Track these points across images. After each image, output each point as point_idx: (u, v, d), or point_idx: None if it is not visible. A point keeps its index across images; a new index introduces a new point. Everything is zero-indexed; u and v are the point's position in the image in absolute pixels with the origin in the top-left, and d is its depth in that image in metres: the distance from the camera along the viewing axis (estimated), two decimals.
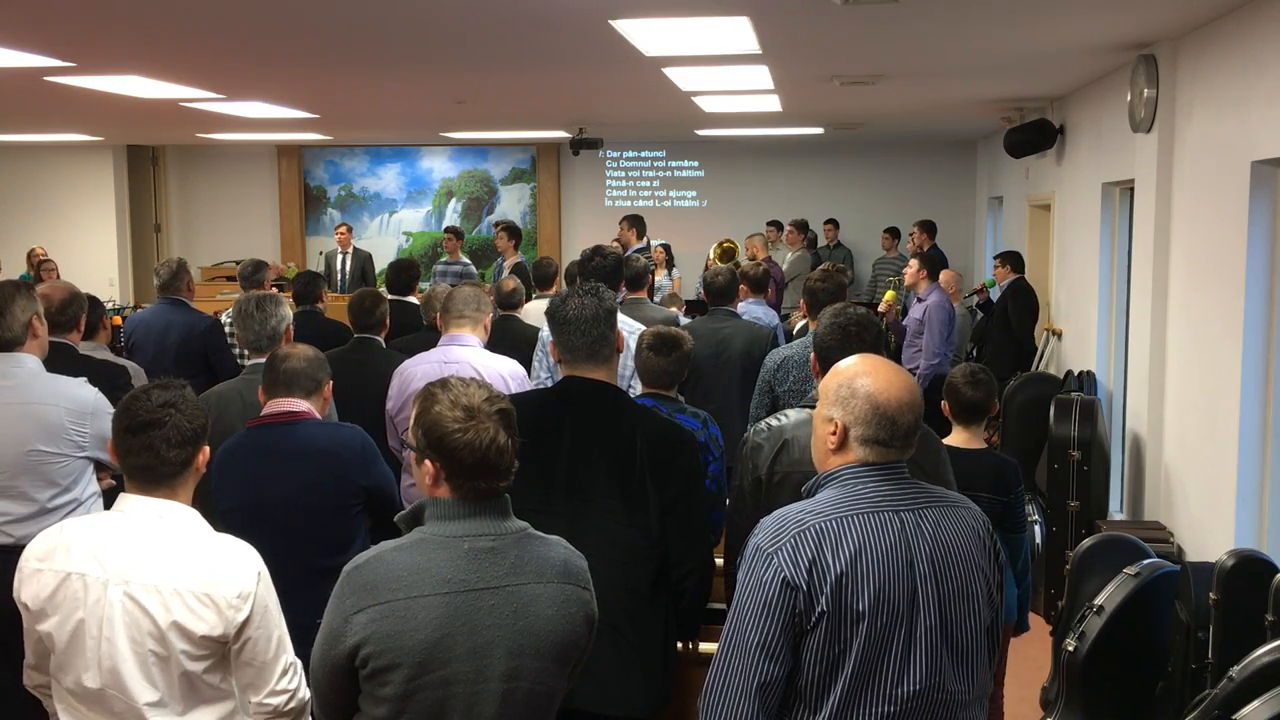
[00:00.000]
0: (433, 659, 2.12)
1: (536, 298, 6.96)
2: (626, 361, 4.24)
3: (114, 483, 3.82)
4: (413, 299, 7.01)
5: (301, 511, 3.31)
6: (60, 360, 4.26)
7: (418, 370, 4.52)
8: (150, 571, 2.49)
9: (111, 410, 3.61)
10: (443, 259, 11.05)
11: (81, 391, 3.75)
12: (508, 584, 2.17)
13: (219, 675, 2.55)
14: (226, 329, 6.12)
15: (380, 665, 2.11)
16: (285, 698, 2.57)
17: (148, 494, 2.57)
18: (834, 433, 2.25)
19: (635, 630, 2.81)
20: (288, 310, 4.43)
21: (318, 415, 3.51)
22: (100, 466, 3.81)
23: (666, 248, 11.35)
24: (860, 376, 2.27)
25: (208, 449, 2.70)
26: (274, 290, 5.82)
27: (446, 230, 11.19)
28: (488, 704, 2.15)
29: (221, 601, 2.48)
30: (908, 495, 2.23)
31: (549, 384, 4.62)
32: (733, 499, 3.32)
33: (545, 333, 4.87)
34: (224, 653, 2.54)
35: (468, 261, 10.89)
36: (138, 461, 2.54)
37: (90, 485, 3.78)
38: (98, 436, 3.67)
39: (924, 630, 2.16)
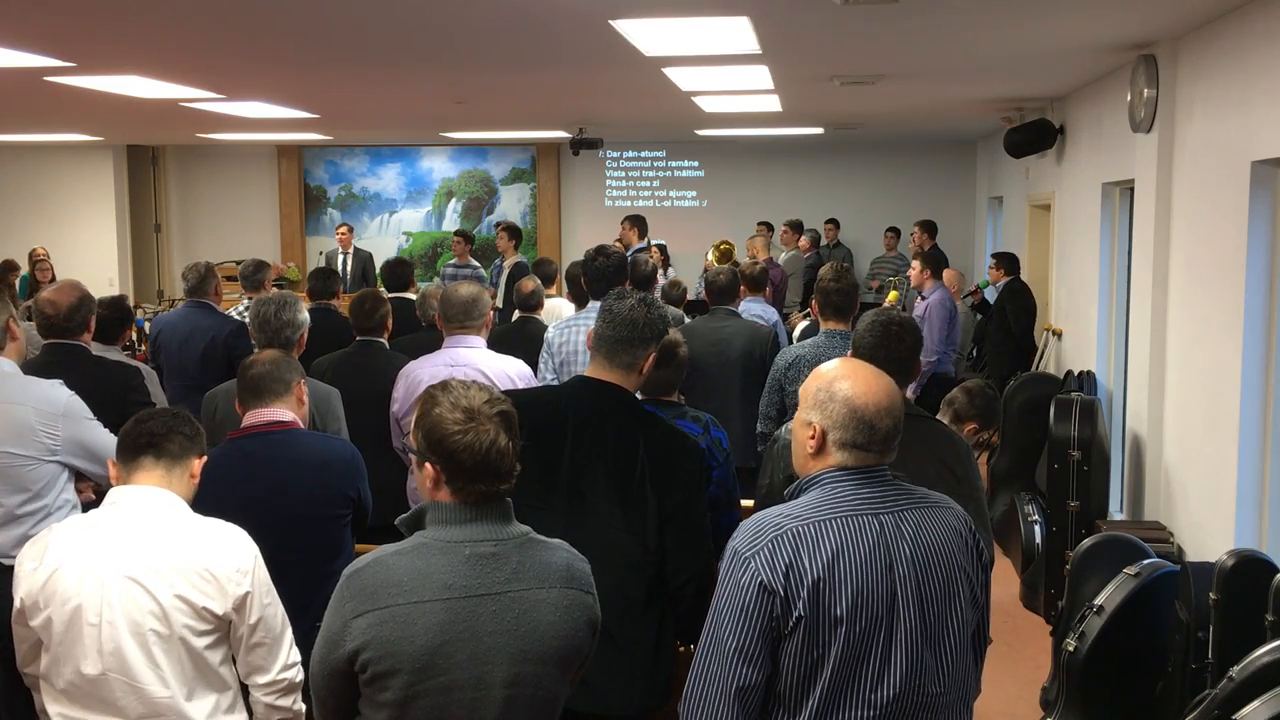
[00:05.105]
0: (433, 665, 2.11)
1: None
2: None
3: (94, 497, 3.72)
4: (410, 295, 7.04)
5: (291, 520, 3.29)
6: (73, 362, 4.24)
7: (424, 372, 4.52)
8: (149, 552, 2.55)
9: (88, 414, 3.63)
10: (450, 261, 11.06)
11: (53, 392, 3.62)
12: (510, 590, 2.17)
13: (221, 654, 2.61)
14: (236, 316, 6.15)
15: (380, 670, 2.11)
16: (296, 670, 2.68)
17: (148, 471, 2.64)
18: (812, 437, 2.23)
19: (624, 633, 2.81)
20: (306, 315, 4.41)
21: (301, 425, 3.49)
22: (80, 477, 3.69)
23: (662, 248, 11.35)
24: (839, 380, 2.24)
25: (206, 459, 2.75)
26: (275, 290, 5.83)
27: (456, 233, 11.18)
28: (489, 710, 2.15)
29: (222, 576, 2.56)
30: (888, 498, 2.21)
31: (554, 384, 4.62)
32: (762, 496, 3.29)
33: (551, 333, 4.88)
34: (226, 631, 2.61)
35: (476, 265, 10.89)
36: (148, 428, 2.66)
37: (64, 493, 3.63)
38: (71, 440, 3.58)
39: (904, 633, 2.14)
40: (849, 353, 3.22)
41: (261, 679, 2.65)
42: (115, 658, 2.51)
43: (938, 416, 4.35)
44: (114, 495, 2.65)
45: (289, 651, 2.68)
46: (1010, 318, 8.50)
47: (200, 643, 2.56)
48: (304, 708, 2.69)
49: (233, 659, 2.66)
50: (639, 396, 3.95)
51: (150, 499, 2.63)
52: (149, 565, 2.53)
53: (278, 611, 2.66)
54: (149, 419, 2.73)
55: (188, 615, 2.54)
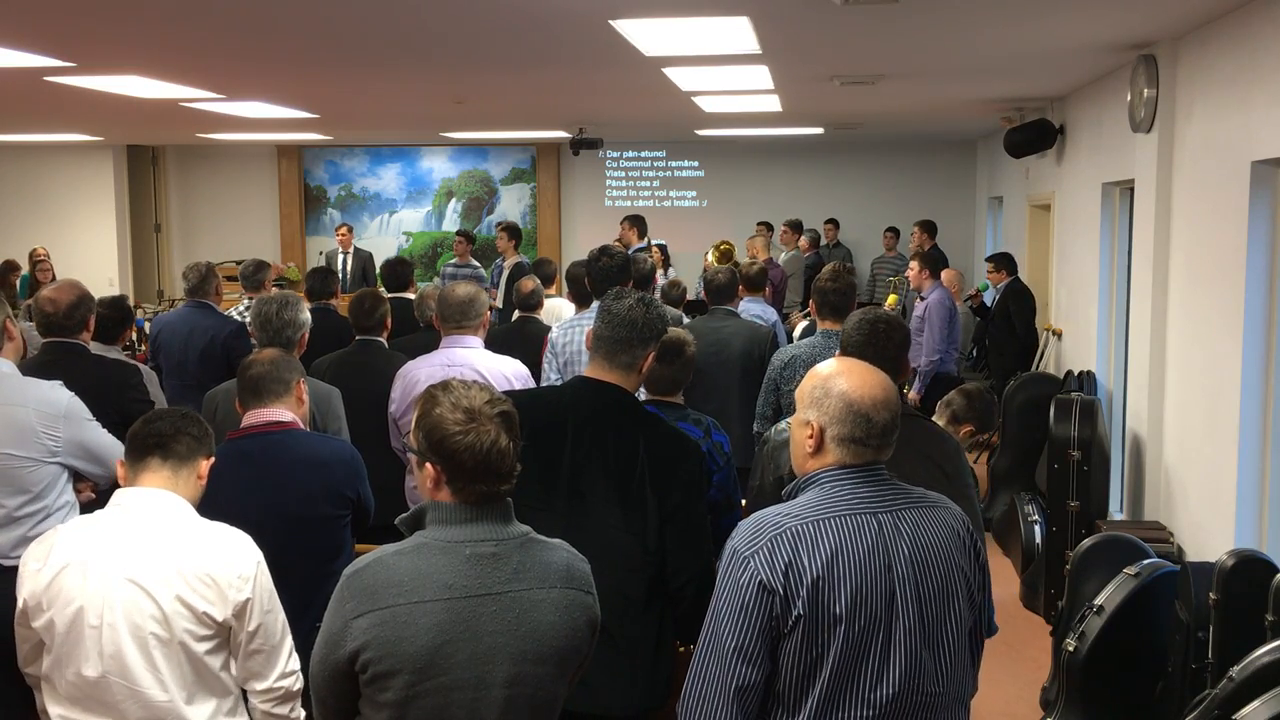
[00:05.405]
0: (433, 665, 2.11)
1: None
2: None
3: (94, 495, 3.71)
4: (409, 295, 7.05)
5: (290, 520, 3.28)
6: (71, 360, 4.24)
7: (421, 372, 4.53)
8: (151, 556, 2.54)
9: (88, 415, 3.62)
10: (451, 261, 11.06)
11: (54, 394, 3.59)
12: (510, 590, 2.16)
13: (221, 659, 2.60)
14: (237, 316, 6.15)
15: (380, 671, 2.11)
16: (294, 678, 2.66)
17: (154, 472, 2.64)
18: (810, 435, 2.24)
19: (624, 633, 2.81)
20: (308, 316, 4.41)
21: (302, 425, 3.48)
22: (79, 477, 3.67)
23: (663, 247, 11.35)
24: (835, 377, 2.25)
25: (213, 461, 2.75)
26: (275, 290, 5.82)
27: (458, 233, 11.20)
28: (490, 710, 2.15)
29: (223, 581, 2.55)
30: (886, 497, 2.22)
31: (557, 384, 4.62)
32: (752, 497, 3.30)
33: (555, 333, 4.88)
34: (226, 636, 2.60)
35: (477, 265, 10.91)
36: (156, 428, 2.66)
37: (64, 495, 3.60)
38: (72, 442, 3.56)
39: (903, 632, 2.15)
40: (838, 353, 3.23)
41: (259, 685, 2.63)
42: (115, 660, 2.51)
43: (934, 418, 4.36)
44: (119, 497, 2.64)
45: (288, 660, 2.66)
46: (1015, 319, 8.50)
47: (200, 648, 2.55)
48: (303, 714, 2.68)
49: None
50: (643, 396, 3.96)
51: (155, 502, 2.62)
52: (151, 568, 2.52)
53: (278, 619, 2.64)
54: (158, 419, 2.72)
55: (188, 620, 2.53)
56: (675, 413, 3.79)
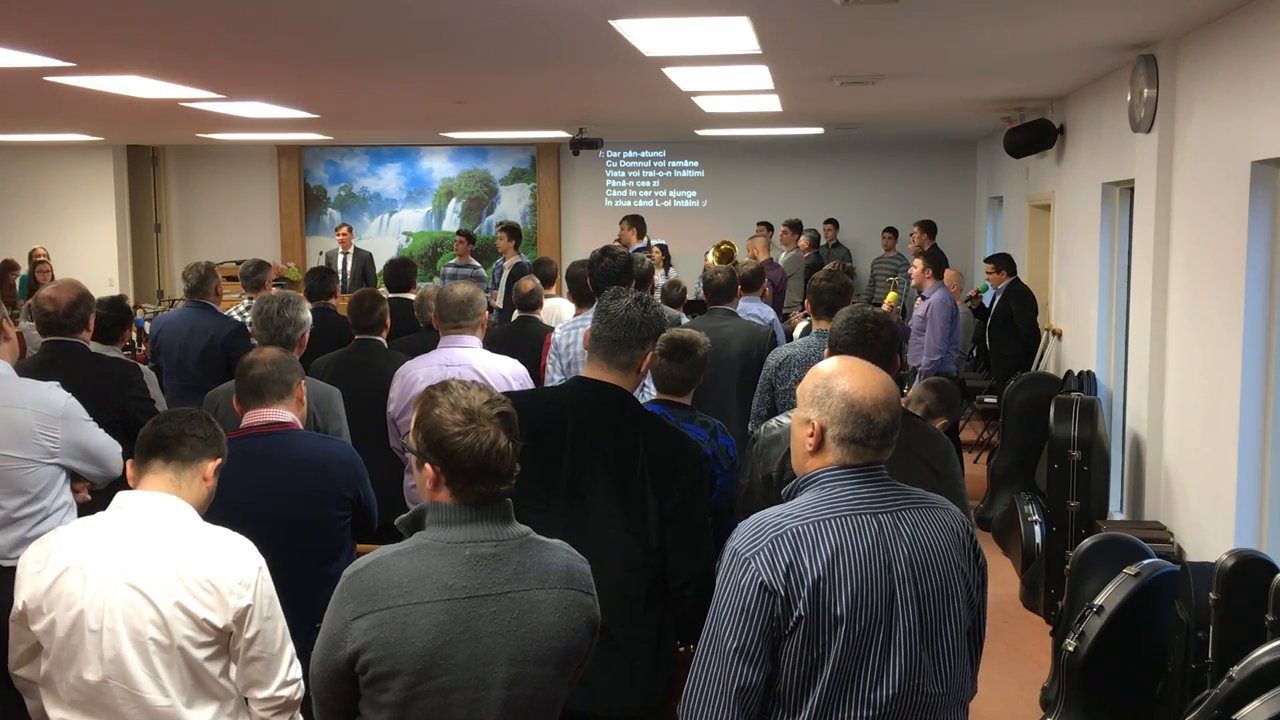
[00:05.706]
0: (433, 666, 2.11)
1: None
2: None
3: (89, 497, 3.72)
4: (411, 296, 7.06)
5: (290, 521, 3.27)
6: (70, 359, 4.25)
7: (419, 372, 4.53)
8: (151, 560, 2.52)
9: (85, 416, 3.62)
10: (451, 261, 11.05)
11: (51, 395, 3.59)
12: (510, 590, 2.16)
13: (221, 666, 2.58)
14: (237, 316, 6.16)
15: (380, 672, 2.11)
16: (294, 687, 2.63)
17: (156, 474, 2.62)
18: (811, 434, 2.24)
19: (624, 633, 2.80)
20: (308, 315, 4.40)
21: (300, 426, 3.48)
22: (76, 477, 3.68)
23: (663, 247, 11.36)
24: (836, 376, 2.25)
25: (220, 463, 2.74)
26: (278, 291, 5.83)
27: (458, 233, 11.21)
28: (489, 711, 2.15)
29: (223, 588, 2.52)
30: (886, 497, 2.22)
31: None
32: (742, 495, 3.31)
33: (557, 334, 4.88)
34: (226, 642, 2.58)
35: (477, 265, 10.91)
36: (161, 430, 2.65)
37: (61, 495, 3.61)
38: (70, 443, 3.57)
39: (903, 633, 2.15)
40: (825, 351, 3.23)
41: (259, 694, 2.60)
42: (116, 665, 2.49)
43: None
44: (120, 500, 2.62)
45: (288, 668, 2.63)
46: (1018, 319, 8.50)
47: (200, 654, 2.53)
48: None
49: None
50: (652, 396, 3.96)
51: (156, 505, 2.60)
52: (151, 573, 2.50)
53: (278, 626, 2.61)
54: (165, 420, 2.70)
55: (187, 626, 2.51)
56: (683, 414, 3.79)
